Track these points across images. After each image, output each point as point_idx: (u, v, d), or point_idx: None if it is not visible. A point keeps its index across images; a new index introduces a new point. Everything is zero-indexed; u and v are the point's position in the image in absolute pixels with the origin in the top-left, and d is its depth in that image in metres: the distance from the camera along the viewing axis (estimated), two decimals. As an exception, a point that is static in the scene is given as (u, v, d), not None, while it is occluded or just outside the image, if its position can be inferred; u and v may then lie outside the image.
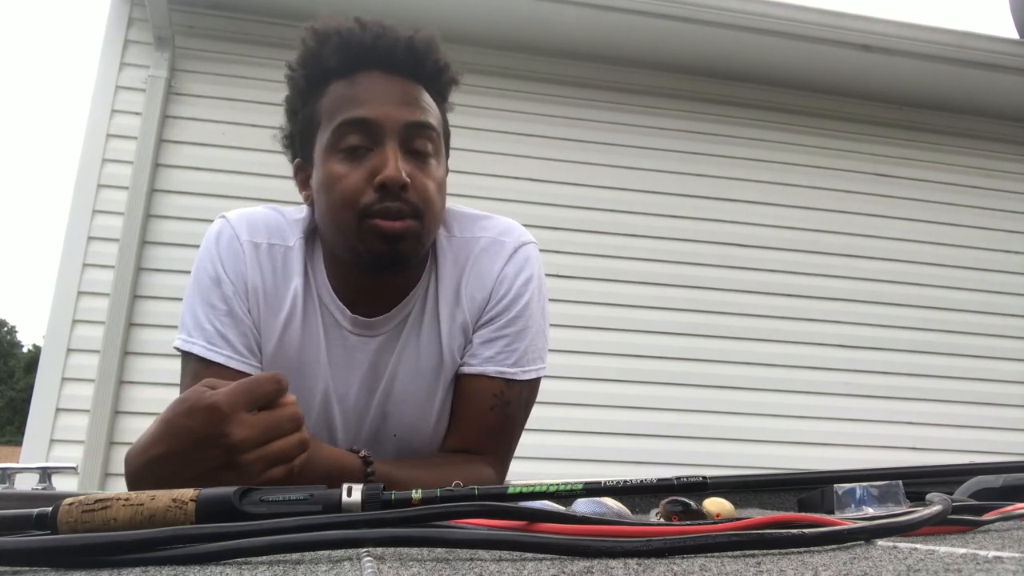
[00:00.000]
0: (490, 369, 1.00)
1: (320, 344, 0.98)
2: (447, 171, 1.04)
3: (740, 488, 0.83)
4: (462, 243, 1.03)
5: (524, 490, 0.54)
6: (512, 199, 3.34)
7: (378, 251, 0.91)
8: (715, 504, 0.77)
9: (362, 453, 0.87)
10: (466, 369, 1.01)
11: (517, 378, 1.00)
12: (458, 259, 1.02)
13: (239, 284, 0.96)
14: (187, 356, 0.97)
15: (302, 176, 1.01)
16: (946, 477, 0.87)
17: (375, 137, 0.91)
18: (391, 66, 0.94)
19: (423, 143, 0.93)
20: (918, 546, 0.51)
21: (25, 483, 1.36)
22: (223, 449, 0.68)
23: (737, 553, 0.47)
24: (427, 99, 0.96)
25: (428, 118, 0.94)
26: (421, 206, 0.91)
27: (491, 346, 1.00)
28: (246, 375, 0.94)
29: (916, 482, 0.79)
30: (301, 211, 1.04)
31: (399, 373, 1.00)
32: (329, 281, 0.99)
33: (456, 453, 1.01)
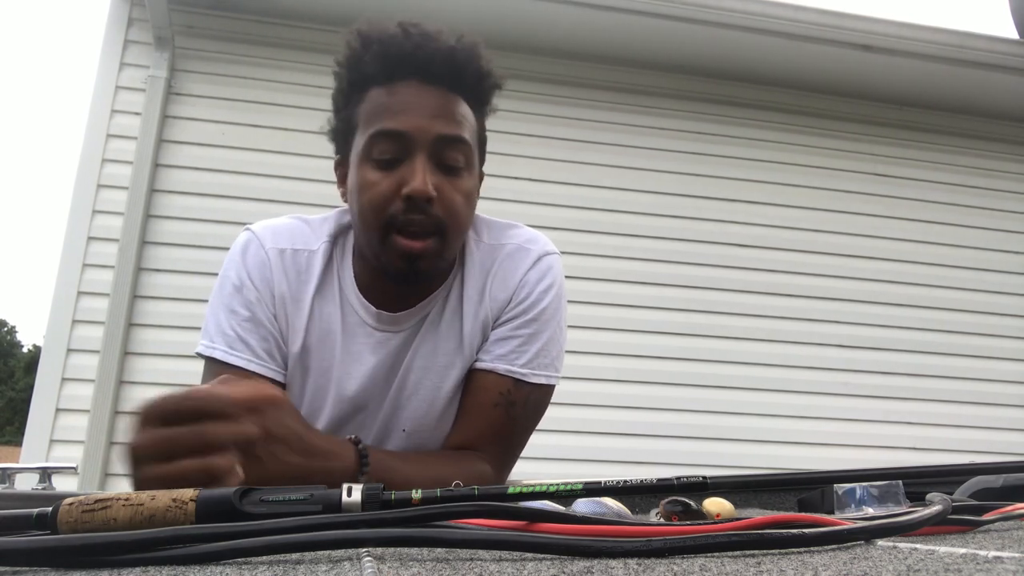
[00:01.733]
0: (500, 366, 1.02)
1: (337, 340, 1.01)
2: (482, 178, 1.07)
3: (740, 488, 0.83)
4: (490, 249, 1.06)
5: (524, 490, 0.54)
6: (512, 199, 3.34)
7: (397, 267, 0.94)
8: (715, 504, 0.77)
9: (352, 437, 0.86)
10: (477, 364, 1.03)
11: (526, 379, 1.02)
12: (485, 263, 1.05)
13: (265, 291, 0.99)
14: (208, 361, 0.99)
15: (340, 172, 1.04)
16: (946, 477, 0.87)
17: (406, 148, 0.92)
18: (429, 76, 0.94)
19: (454, 156, 0.94)
20: (918, 546, 0.51)
21: (25, 483, 1.35)
22: (127, 460, 0.65)
23: (737, 553, 0.47)
24: (463, 110, 0.97)
25: (460, 131, 0.95)
26: (445, 221, 0.93)
27: (504, 344, 1.03)
28: (265, 378, 0.97)
29: (916, 482, 0.79)
30: (327, 215, 1.06)
31: (414, 367, 1.02)
32: (356, 279, 1.02)
33: (457, 450, 1.02)
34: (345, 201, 1.02)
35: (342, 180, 1.03)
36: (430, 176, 0.91)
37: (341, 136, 1.01)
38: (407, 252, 0.92)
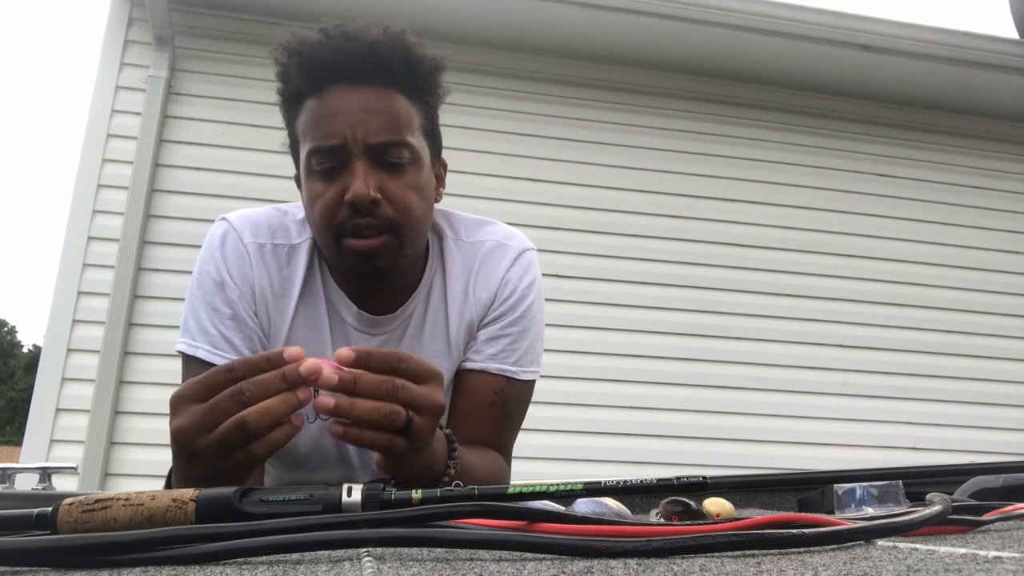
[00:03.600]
0: (492, 366, 1.02)
1: (326, 341, 1.00)
2: (445, 166, 1.05)
3: (740, 488, 0.83)
4: (468, 247, 1.06)
5: (524, 490, 0.54)
6: (512, 199, 3.34)
7: (356, 267, 0.92)
8: (715, 504, 0.77)
9: (447, 431, 0.85)
10: (468, 365, 1.03)
11: (517, 377, 1.03)
12: (466, 261, 1.05)
13: (245, 288, 0.97)
14: (190, 360, 0.97)
15: (300, 188, 1.02)
16: (946, 477, 0.87)
17: (343, 157, 0.90)
18: (354, 76, 0.91)
19: (396, 153, 0.91)
20: (918, 546, 0.51)
21: (25, 483, 1.35)
22: (177, 442, 0.67)
23: (737, 553, 0.47)
24: (396, 105, 0.92)
25: (395, 132, 0.91)
26: (397, 218, 0.91)
27: (494, 344, 1.03)
28: None
29: (916, 482, 0.79)
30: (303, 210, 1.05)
31: None
32: (335, 279, 1.01)
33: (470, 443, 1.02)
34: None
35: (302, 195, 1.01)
36: (372, 178, 0.89)
37: (293, 152, 1.00)
38: (359, 251, 0.90)
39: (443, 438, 0.81)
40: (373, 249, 0.90)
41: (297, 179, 1.02)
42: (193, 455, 0.67)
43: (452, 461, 0.81)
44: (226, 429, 0.65)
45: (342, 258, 0.93)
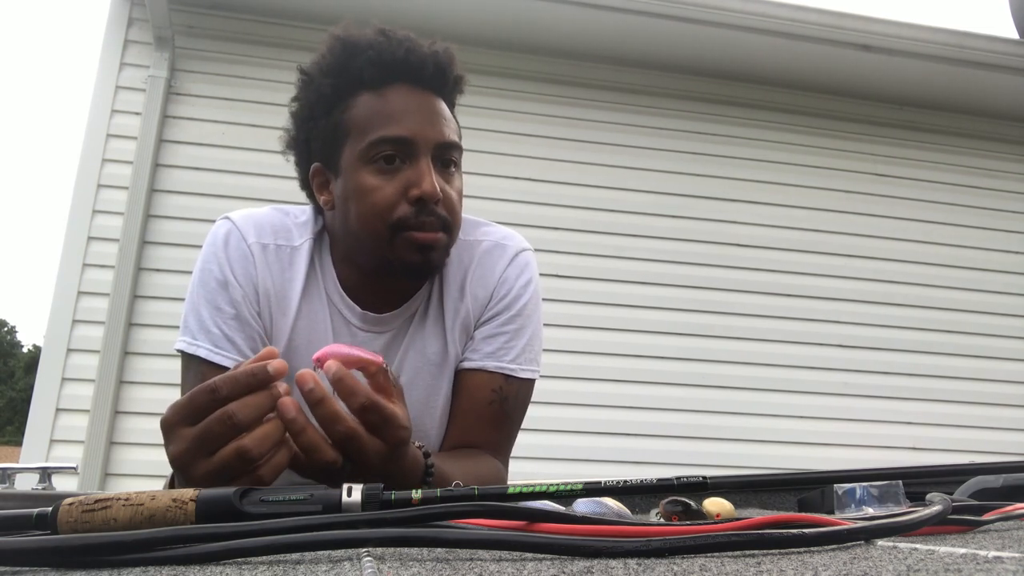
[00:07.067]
0: (490, 364, 1.02)
1: (329, 341, 0.99)
2: None
3: (740, 488, 0.83)
4: (466, 245, 1.06)
5: (524, 490, 0.54)
6: (512, 199, 3.34)
7: (410, 261, 0.94)
8: (715, 504, 0.77)
9: (418, 444, 0.82)
10: (466, 364, 1.03)
11: (515, 375, 1.03)
12: (462, 260, 1.05)
13: (248, 288, 0.97)
14: (190, 359, 0.96)
15: (320, 180, 1.01)
16: (946, 477, 0.87)
17: (409, 153, 0.93)
18: (419, 80, 0.96)
19: (453, 156, 0.97)
20: (918, 546, 0.51)
21: (25, 483, 1.36)
22: (176, 469, 0.65)
23: (737, 553, 0.47)
24: (449, 113, 0.99)
25: (455, 136, 0.97)
26: (449, 218, 0.95)
27: (491, 342, 1.03)
28: None
29: (916, 482, 0.79)
30: (305, 212, 1.05)
31: (404, 368, 1.02)
32: (339, 280, 1.01)
33: (462, 448, 1.02)
34: (329, 208, 1.00)
35: (321, 187, 1.01)
36: (435, 177, 0.93)
37: (322, 143, 0.99)
38: (422, 243, 0.92)
39: (416, 458, 0.77)
40: (434, 243, 0.93)
41: (317, 172, 1.01)
42: (195, 482, 0.63)
43: (429, 478, 0.79)
44: (226, 457, 0.62)
45: (394, 251, 0.93)
